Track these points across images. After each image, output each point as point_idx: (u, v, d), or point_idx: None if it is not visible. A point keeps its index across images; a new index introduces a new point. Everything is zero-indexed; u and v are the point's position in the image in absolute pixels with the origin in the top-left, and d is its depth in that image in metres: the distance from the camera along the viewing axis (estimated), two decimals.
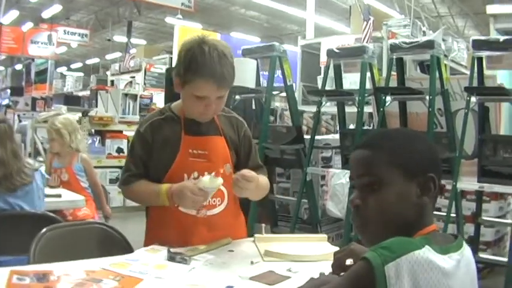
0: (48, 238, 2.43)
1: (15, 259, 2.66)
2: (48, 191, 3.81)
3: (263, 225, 2.49)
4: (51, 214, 3.06)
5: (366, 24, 9.50)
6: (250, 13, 20.76)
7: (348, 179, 4.89)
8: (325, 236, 2.45)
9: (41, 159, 7.07)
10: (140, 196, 2.39)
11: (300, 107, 7.59)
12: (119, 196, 8.36)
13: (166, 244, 2.25)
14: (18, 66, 20.63)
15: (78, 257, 2.05)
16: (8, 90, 18.41)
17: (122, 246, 2.50)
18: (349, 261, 1.63)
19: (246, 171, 2.21)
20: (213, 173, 2.17)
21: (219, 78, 2.19)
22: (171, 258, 2.04)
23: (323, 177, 5.40)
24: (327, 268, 1.80)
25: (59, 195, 3.88)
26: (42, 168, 3.53)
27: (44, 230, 2.43)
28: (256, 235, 2.42)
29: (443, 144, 4.51)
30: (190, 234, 2.31)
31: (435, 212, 1.50)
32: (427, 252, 1.24)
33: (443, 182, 1.44)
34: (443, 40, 8.26)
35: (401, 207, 1.37)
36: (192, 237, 2.30)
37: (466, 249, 1.38)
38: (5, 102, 16.64)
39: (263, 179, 2.42)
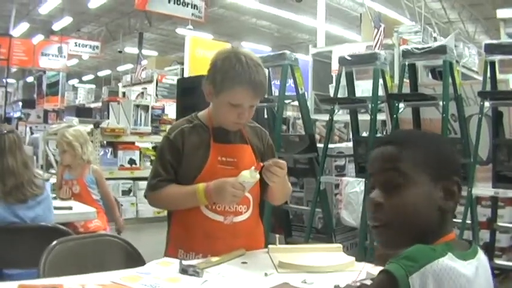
0: (58, 251, 2.40)
1: (25, 272, 2.65)
2: (59, 203, 3.79)
3: (277, 236, 2.44)
4: (62, 227, 3.04)
5: (377, 32, 9.41)
6: (261, 23, 20.77)
7: (362, 188, 4.85)
8: (340, 245, 2.40)
9: (53, 171, 7.05)
10: (173, 198, 2.38)
11: (313, 116, 7.53)
12: (131, 208, 8.34)
13: (190, 251, 2.33)
14: (30, 79, 20.75)
15: (89, 270, 2.02)
16: (20, 103, 18.48)
17: (134, 259, 2.47)
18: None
19: (277, 159, 2.26)
20: (253, 167, 2.20)
21: (256, 86, 2.28)
22: (184, 271, 1.99)
23: (337, 186, 5.33)
24: (342, 279, 1.75)
25: (70, 208, 3.85)
26: (52, 180, 3.51)
27: (54, 242, 2.41)
28: (270, 246, 2.38)
29: (458, 150, 4.44)
30: (215, 241, 2.32)
31: None
32: (450, 260, 1.20)
33: None
34: (455, 46, 8.20)
35: (425, 209, 1.31)
36: (217, 244, 2.31)
37: (482, 256, 1.34)
38: (17, 114, 16.71)
39: (288, 182, 2.52)
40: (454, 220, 4.40)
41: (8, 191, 3.01)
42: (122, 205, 8.06)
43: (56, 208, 3.51)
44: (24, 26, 18.37)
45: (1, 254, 2.95)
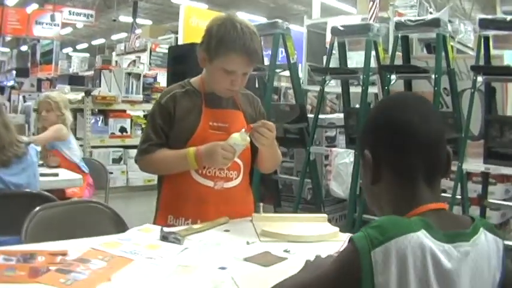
0: (41, 217, 2.39)
1: (8, 240, 2.60)
2: (45, 170, 3.76)
3: (261, 204, 2.41)
4: (46, 193, 3.01)
5: (372, 4, 9.35)
6: None
7: (352, 159, 4.83)
8: (326, 216, 2.37)
9: None
10: (163, 162, 2.37)
11: (306, 87, 7.51)
12: (122, 176, 8.30)
13: (181, 217, 2.34)
14: (24, 48, 20.53)
15: (71, 237, 1.99)
16: (14, 72, 18.32)
17: (118, 226, 2.45)
18: None
19: (266, 121, 2.26)
20: (243, 129, 2.20)
21: (251, 53, 2.26)
22: (164, 237, 1.97)
23: (327, 157, 5.31)
24: (325, 249, 1.73)
25: (56, 174, 3.83)
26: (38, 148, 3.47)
27: (37, 208, 2.40)
28: (254, 214, 2.35)
29: (449, 124, 4.41)
30: (206, 206, 2.33)
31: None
32: (421, 237, 1.10)
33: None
34: (450, 22, 8.15)
35: (366, 181, 1.34)
36: (207, 210, 2.32)
37: (482, 239, 1.20)
38: (10, 83, 16.58)
39: (278, 149, 2.53)
40: (444, 195, 4.42)
41: None
42: (111, 173, 8.06)
43: (42, 175, 3.48)
44: None
45: None
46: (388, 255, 1.08)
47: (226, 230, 2.18)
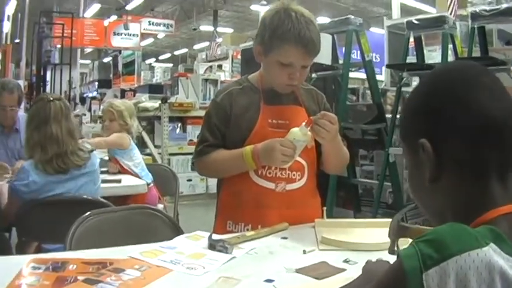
0: (92, 223, 2.26)
1: (61, 247, 2.50)
2: (108, 176, 3.67)
3: (324, 208, 2.17)
4: (102, 199, 2.92)
5: (451, 2, 9.07)
6: None
7: None
8: None
9: None
10: (220, 164, 2.21)
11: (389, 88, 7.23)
12: (201, 183, 8.29)
13: (240, 222, 2.17)
14: (106, 60, 21.09)
15: (121, 244, 1.84)
16: (96, 83, 18.82)
17: (173, 234, 2.28)
18: None
19: (327, 112, 2.06)
20: (304, 123, 1.99)
21: (307, 43, 2.06)
22: (211, 246, 1.78)
23: None
24: (391, 258, 1.47)
25: (119, 181, 3.72)
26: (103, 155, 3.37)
27: (87, 214, 2.27)
28: (316, 220, 2.12)
29: None
30: (267, 211, 2.13)
31: None
32: (490, 253, 0.81)
33: None
34: None
35: (417, 180, 1.07)
36: (268, 214, 2.12)
37: None
38: (93, 94, 17.02)
39: (344, 148, 2.28)
40: None
41: (48, 159, 2.90)
42: (191, 180, 8.02)
43: (104, 181, 3.40)
44: (95, 7, 18.68)
45: (39, 228, 2.84)
46: (444, 279, 0.80)
47: (284, 238, 1.95)
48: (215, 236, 1.85)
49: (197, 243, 1.85)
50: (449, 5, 8.93)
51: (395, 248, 1.38)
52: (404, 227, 1.38)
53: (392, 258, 1.37)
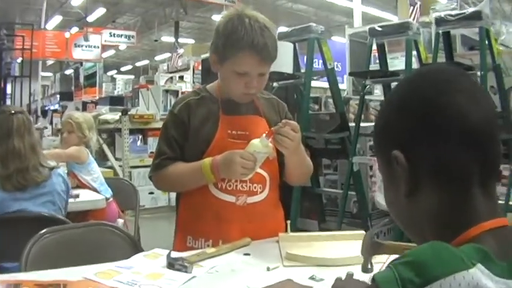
0: (47, 242, 2.15)
1: (15, 266, 2.39)
2: None
3: (288, 222, 2.09)
4: (60, 217, 2.80)
5: (413, 9, 9.19)
6: (298, 6, 20.36)
7: None
8: (363, 232, 2.04)
9: None
10: (178, 177, 2.11)
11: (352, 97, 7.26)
12: (163, 195, 8.14)
13: (200, 237, 2.08)
14: (68, 72, 20.81)
15: (78, 264, 1.74)
16: (58, 96, 18.54)
17: (132, 252, 2.19)
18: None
19: (288, 120, 1.99)
20: (264, 134, 1.91)
21: (261, 50, 1.97)
22: (170, 265, 1.68)
23: (371, 167, 4.96)
24: (360, 273, 1.41)
25: (77, 196, 3.59)
26: (62, 170, 3.23)
27: (43, 231, 2.16)
28: (280, 234, 2.04)
29: (499, 125, 4.05)
30: (228, 225, 2.05)
31: None
32: (478, 275, 0.73)
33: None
34: (492, 23, 7.88)
35: (392, 194, 0.99)
36: (229, 229, 2.04)
37: None
38: (54, 107, 16.77)
39: (308, 157, 2.21)
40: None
41: (9, 174, 2.79)
42: (153, 193, 7.88)
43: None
44: (57, 19, 18.56)
45: None
46: None
47: (246, 254, 1.86)
48: (174, 254, 1.76)
49: (155, 261, 1.76)
50: (411, 12, 9.02)
51: (369, 266, 1.31)
52: (378, 244, 1.31)
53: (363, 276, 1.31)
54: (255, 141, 1.93)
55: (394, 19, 14.64)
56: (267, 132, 1.93)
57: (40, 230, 2.16)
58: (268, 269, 1.68)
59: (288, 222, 2.09)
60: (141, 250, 2.22)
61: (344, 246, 1.90)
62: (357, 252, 1.73)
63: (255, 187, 2.09)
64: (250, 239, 1.98)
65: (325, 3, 17.66)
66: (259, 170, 2.02)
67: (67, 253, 2.17)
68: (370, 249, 1.33)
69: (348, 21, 17.92)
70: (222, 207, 2.06)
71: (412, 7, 9.27)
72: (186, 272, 1.63)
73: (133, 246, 2.25)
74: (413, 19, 8.89)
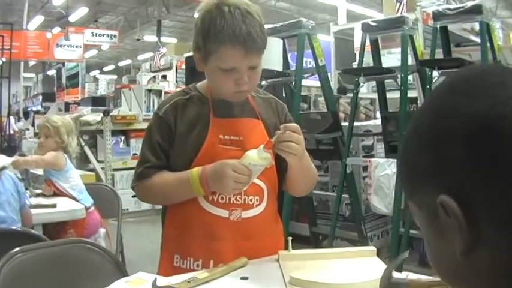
0: (20, 262, 1.94)
1: None
2: (42, 200, 3.34)
3: (290, 238, 1.86)
4: (34, 232, 2.56)
5: (399, 6, 9.14)
6: (281, 4, 20.24)
7: (393, 169, 4.30)
8: (374, 249, 1.82)
9: None
10: (163, 190, 1.87)
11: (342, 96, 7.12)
12: None
13: (189, 257, 1.84)
14: (50, 72, 20.60)
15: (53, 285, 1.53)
16: (40, 97, 18.34)
17: (114, 273, 1.98)
18: None
19: (288, 124, 1.77)
20: (262, 146, 1.67)
21: (245, 40, 1.71)
22: None
23: (365, 168, 4.78)
24: None
25: (54, 205, 3.37)
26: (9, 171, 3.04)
27: (15, 250, 1.95)
28: (280, 252, 1.81)
29: None
30: (220, 243, 1.82)
31: None
32: None
33: None
34: None
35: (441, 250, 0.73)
36: (221, 247, 1.82)
37: None
38: (36, 108, 16.61)
39: (313, 164, 1.99)
40: None
41: None
42: (134, 196, 7.65)
43: (37, 206, 3.12)
44: (39, 19, 18.40)
45: None
46: None
47: (244, 278, 1.63)
48: (160, 280, 1.53)
49: None
50: (398, 9, 8.93)
51: None
52: (398, 284, 1.09)
53: None
54: (251, 153, 1.69)
55: (380, 16, 14.64)
56: (265, 143, 1.69)
57: (12, 248, 1.96)
58: None
59: (289, 238, 1.86)
60: (124, 270, 2.04)
61: (353, 266, 1.69)
62: (368, 274, 1.54)
63: (250, 200, 1.86)
64: (246, 259, 1.75)
65: (308, 1, 17.54)
66: (255, 180, 1.79)
67: (42, 274, 2.00)
68: None
69: (331, 19, 17.89)
70: (213, 222, 1.83)
71: (398, 3, 9.20)
72: None
73: (115, 266, 2.05)
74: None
